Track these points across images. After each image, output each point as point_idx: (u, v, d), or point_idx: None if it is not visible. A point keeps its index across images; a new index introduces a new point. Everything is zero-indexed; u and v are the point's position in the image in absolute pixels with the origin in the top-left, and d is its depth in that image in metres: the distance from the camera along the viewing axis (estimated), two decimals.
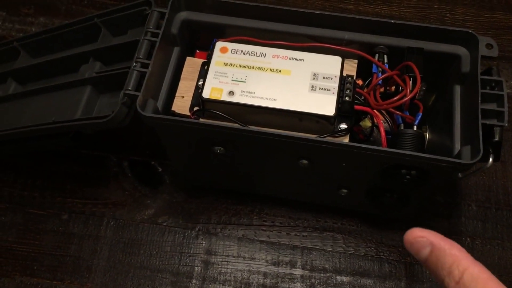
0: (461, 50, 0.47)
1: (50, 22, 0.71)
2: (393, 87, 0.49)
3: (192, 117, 0.47)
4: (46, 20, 0.71)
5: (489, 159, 0.43)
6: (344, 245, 0.55)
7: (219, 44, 0.48)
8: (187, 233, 0.56)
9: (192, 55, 0.53)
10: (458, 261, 0.26)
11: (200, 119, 0.47)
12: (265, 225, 0.57)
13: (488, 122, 0.42)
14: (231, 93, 0.45)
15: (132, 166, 0.60)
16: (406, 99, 0.44)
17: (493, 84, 0.44)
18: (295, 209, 0.57)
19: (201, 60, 0.51)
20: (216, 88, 0.45)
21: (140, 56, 0.46)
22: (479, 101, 0.42)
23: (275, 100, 0.44)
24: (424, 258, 0.27)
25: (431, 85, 0.51)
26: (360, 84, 0.50)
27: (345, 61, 0.49)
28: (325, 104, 0.44)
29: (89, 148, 0.61)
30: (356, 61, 0.50)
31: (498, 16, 0.70)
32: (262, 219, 0.57)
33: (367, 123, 0.48)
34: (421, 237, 0.27)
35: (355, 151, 0.42)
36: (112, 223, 0.57)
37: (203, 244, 0.56)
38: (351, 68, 0.50)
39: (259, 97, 0.45)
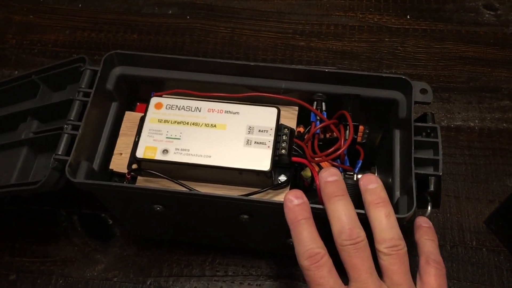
0: (398, 95, 0.47)
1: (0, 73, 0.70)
2: (335, 133, 0.48)
3: (128, 176, 0.46)
4: None
5: (427, 207, 0.43)
6: None
7: (154, 100, 0.47)
8: None
9: (134, 107, 0.52)
10: None
11: (138, 177, 0.46)
12: (218, 275, 0.55)
13: (422, 171, 0.41)
14: (165, 151, 0.44)
15: (82, 220, 0.59)
16: (339, 152, 0.43)
17: (429, 131, 0.44)
18: (248, 257, 0.56)
19: (140, 114, 0.50)
20: (150, 146, 0.45)
21: (71, 118, 0.45)
22: (412, 150, 0.42)
23: (210, 157, 0.44)
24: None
25: (377, 125, 0.51)
26: (302, 132, 0.49)
27: (285, 108, 0.49)
28: (260, 159, 0.43)
29: (38, 204, 0.59)
30: (296, 108, 0.50)
31: (449, 47, 0.70)
32: (215, 269, 0.56)
33: (308, 172, 0.47)
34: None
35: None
36: (61, 281, 0.55)
37: None
38: (292, 115, 0.49)
39: (194, 155, 0.44)
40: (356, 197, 0.44)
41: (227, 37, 0.72)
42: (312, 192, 0.48)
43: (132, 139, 0.48)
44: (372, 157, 0.53)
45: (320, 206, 0.40)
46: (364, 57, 0.69)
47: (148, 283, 0.55)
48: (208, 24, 0.73)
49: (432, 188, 0.41)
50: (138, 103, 0.52)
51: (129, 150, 0.48)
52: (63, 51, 0.71)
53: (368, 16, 0.73)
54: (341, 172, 0.46)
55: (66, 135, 0.44)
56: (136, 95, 0.52)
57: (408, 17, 0.72)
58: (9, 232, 0.58)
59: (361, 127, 0.49)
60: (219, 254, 0.56)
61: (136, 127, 0.49)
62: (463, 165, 0.61)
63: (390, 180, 0.47)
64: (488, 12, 0.72)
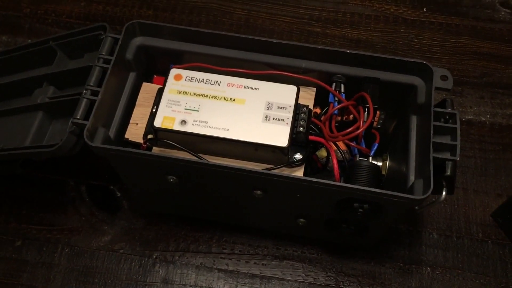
0: (417, 81, 0.47)
1: (13, 41, 0.70)
2: (351, 116, 0.48)
3: (144, 145, 0.46)
4: (9, 39, 0.70)
5: (442, 192, 0.43)
6: (303, 274, 0.54)
7: (174, 71, 0.47)
8: (144, 261, 0.55)
9: (150, 80, 0.52)
10: None
11: (154, 148, 0.46)
12: (224, 253, 0.55)
13: (440, 156, 0.42)
14: (183, 122, 0.44)
15: (90, 191, 0.59)
16: (358, 131, 0.44)
17: (447, 117, 0.44)
18: (255, 237, 0.56)
19: (157, 86, 0.50)
20: (168, 117, 0.45)
21: (91, 84, 0.45)
22: (431, 134, 0.42)
23: (228, 130, 0.44)
24: None
25: (392, 112, 0.51)
26: (318, 113, 0.49)
27: (304, 89, 0.49)
28: (278, 135, 0.43)
29: (47, 172, 0.59)
30: (314, 89, 0.50)
31: (464, 41, 0.70)
32: (222, 246, 0.56)
33: (323, 153, 0.47)
34: None
35: (305, 184, 0.41)
36: (67, 250, 0.55)
37: (160, 273, 0.54)
38: (309, 96, 0.49)
39: (212, 127, 0.44)
40: (369, 179, 0.45)
41: (243, 19, 0.72)
42: (326, 172, 0.48)
43: (149, 110, 0.48)
44: (385, 144, 0.53)
45: (339, 183, 0.40)
46: (379, 47, 0.69)
47: (154, 256, 0.55)
48: (225, 5, 0.73)
49: (448, 172, 0.41)
50: (155, 76, 0.52)
51: (145, 121, 0.48)
52: (77, 23, 0.71)
53: (384, 6, 0.73)
54: (356, 154, 0.47)
55: (85, 100, 0.44)
56: (154, 67, 0.52)
57: (425, 9, 0.72)
58: (17, 198, 0.58)
59: (377, 113, 0.49)
60: (226, 232, 0.57)
61: (153, 98, 0.49)
62: (473, 159, 0.61)
63: (403, 167, 0.47)
64: (504, 9, 0.72)
